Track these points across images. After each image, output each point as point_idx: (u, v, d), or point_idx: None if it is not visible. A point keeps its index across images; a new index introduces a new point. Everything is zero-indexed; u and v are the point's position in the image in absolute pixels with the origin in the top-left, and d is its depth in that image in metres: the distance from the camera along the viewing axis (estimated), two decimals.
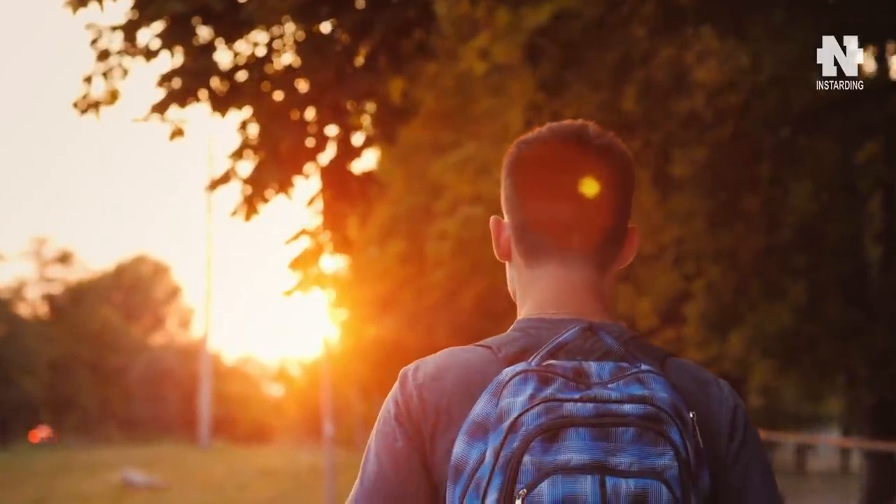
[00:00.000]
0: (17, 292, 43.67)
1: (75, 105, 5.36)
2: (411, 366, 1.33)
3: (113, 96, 5.37)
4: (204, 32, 5.24)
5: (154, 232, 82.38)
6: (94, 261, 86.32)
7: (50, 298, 44.98)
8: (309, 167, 5.40)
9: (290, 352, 69.57)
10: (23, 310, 43.80)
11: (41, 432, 38.41)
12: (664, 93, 8.41)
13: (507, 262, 1.44)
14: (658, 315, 13.31)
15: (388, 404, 1.31)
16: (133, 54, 5.26)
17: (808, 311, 10.84)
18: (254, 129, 5.39)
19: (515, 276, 1.41)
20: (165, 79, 5.17)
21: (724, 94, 9.05)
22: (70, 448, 33.85)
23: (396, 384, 1.32)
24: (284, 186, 5.28)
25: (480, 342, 1.33)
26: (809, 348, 11.19)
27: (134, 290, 48.71)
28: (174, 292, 51.17)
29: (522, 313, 1.37)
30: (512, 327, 1.34)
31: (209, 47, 5.24)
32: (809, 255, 10.85)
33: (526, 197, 1.36)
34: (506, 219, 1.41)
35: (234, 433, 43.17)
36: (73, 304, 44.36)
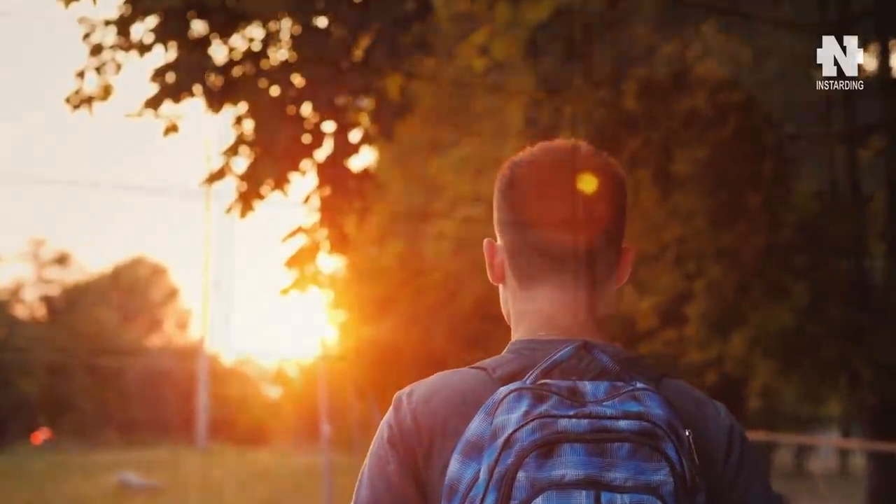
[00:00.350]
0: (15, 294, 43.65)
1: (68, 100, 5.29)
2: (406, 389, 1.32)
3: (106, 91, 5.32)
4: (198, 27, 5.17)
5: (152, 233, 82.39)
6: (92, 262, 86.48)
7: (47, 300, 44.93)
8: (305, 164, 5.32)
9: (288, 353, 69.54)
10: (20, 311, 43.78)
11: (43, 434, 38.34)
12: (665, 90, 8.32)
13: (500, 285, 1.41)
14: (659, 315, 13.23)
15: (381, 428, 1.31)
16: (126, 49, 5.19)
17: (810, 312, 10.76)
18: (249, 125, 5.32)
19: (510, 298, 1.39)
20: (159, 73, 5.09)
21: (726, 92, 8.98)
22: (67, 450, 33.78)
23: (391, 408, 1.31)
24: (280, 183, 5.21)
25: (474, 364, 1.32)
26: (811, 349, 11.11)
27: (131, 291, 48.66)
28: (172, 294, 51.14)
29: (517, 335, 1.35)
30: (506, 349, 1.34)
31: (204, 42, 5.18)
32: (811, 255, 10.78)
33: (519, 219, 1.34)
34: (499, 241, 1.38)
35: (232, 435, 43.12)
36: (71, 305, 44.32)
